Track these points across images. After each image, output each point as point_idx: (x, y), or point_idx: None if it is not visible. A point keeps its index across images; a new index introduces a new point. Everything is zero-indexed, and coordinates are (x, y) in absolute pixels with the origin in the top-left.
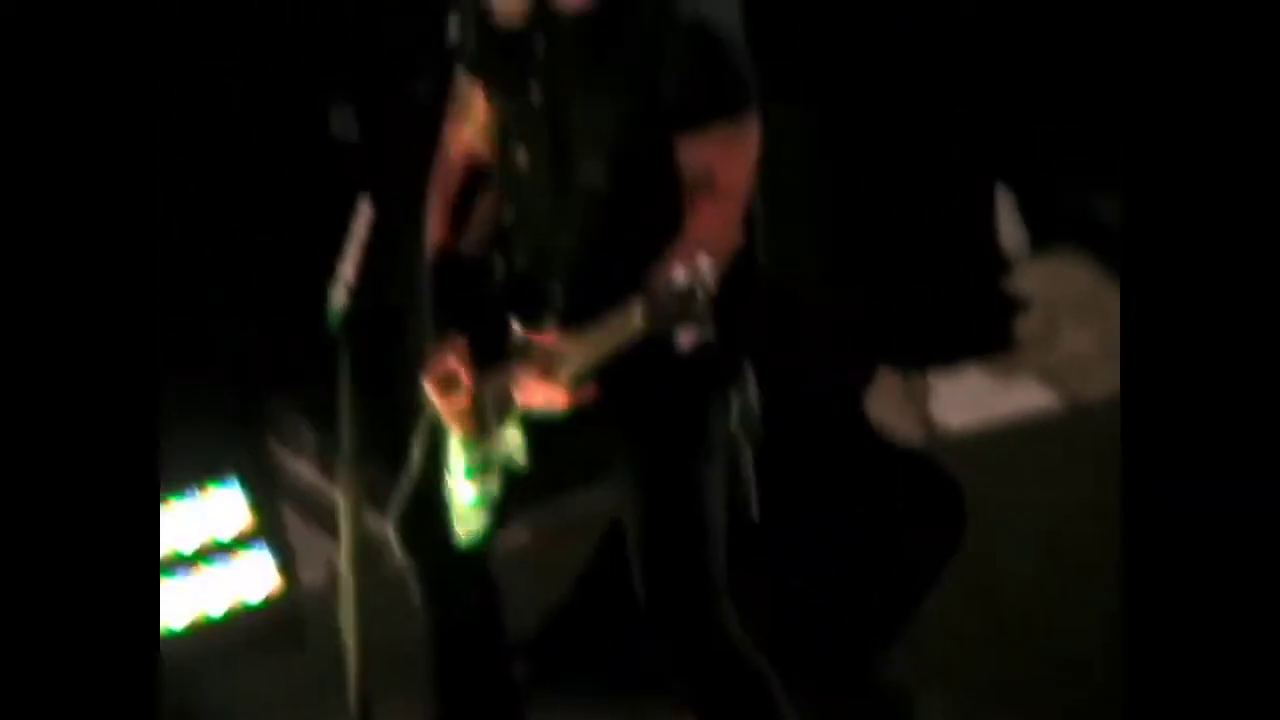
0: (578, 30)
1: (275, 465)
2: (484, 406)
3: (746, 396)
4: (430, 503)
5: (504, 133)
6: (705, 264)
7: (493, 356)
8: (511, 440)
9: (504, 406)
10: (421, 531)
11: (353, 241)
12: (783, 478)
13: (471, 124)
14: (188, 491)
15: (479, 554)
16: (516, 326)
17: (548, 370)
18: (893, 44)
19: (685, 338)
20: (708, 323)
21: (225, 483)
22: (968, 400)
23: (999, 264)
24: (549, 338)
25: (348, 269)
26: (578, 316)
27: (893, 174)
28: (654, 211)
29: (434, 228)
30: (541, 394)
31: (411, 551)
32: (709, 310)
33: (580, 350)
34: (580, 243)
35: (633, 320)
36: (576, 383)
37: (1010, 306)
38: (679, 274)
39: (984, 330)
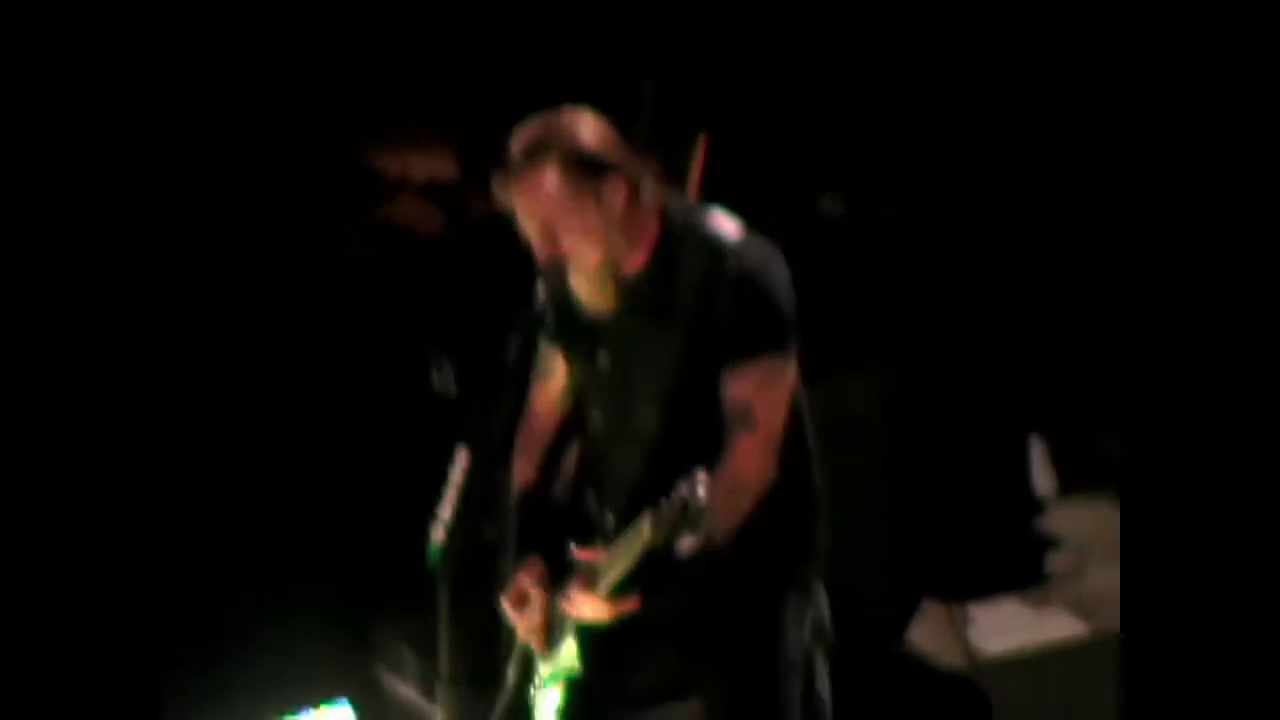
0: (637, 286)
1: (382, 687)
2: (555, 621)
3: (819, 610)
4: (522, 715)
5: (581, 391)
6: (701, 483)
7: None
8: (568, 651)
9: (565, 621)
10: None
11: (450, 485)
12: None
13: (554, 382)
14: (303, 711)
15: None
16: (572, 548)
17: (588, 584)
18: (941, 317)
19: (685, 545)
20: (700, 533)
21: (336, 703)
22: (1004, 629)
23: (1032, 505)
24: (589, 554)
25: (445, 510)
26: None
27: (943, 427)
28: (696, 447)
29: (519, 471)
30: (586, 606)
31: None
32: (701, 522)
33: (609, 564)
34: (632, 476)
35: (643, 533)
36: (613, 594)
37: (1043, 544)
38: (679, 492)
39: (1019, 565)
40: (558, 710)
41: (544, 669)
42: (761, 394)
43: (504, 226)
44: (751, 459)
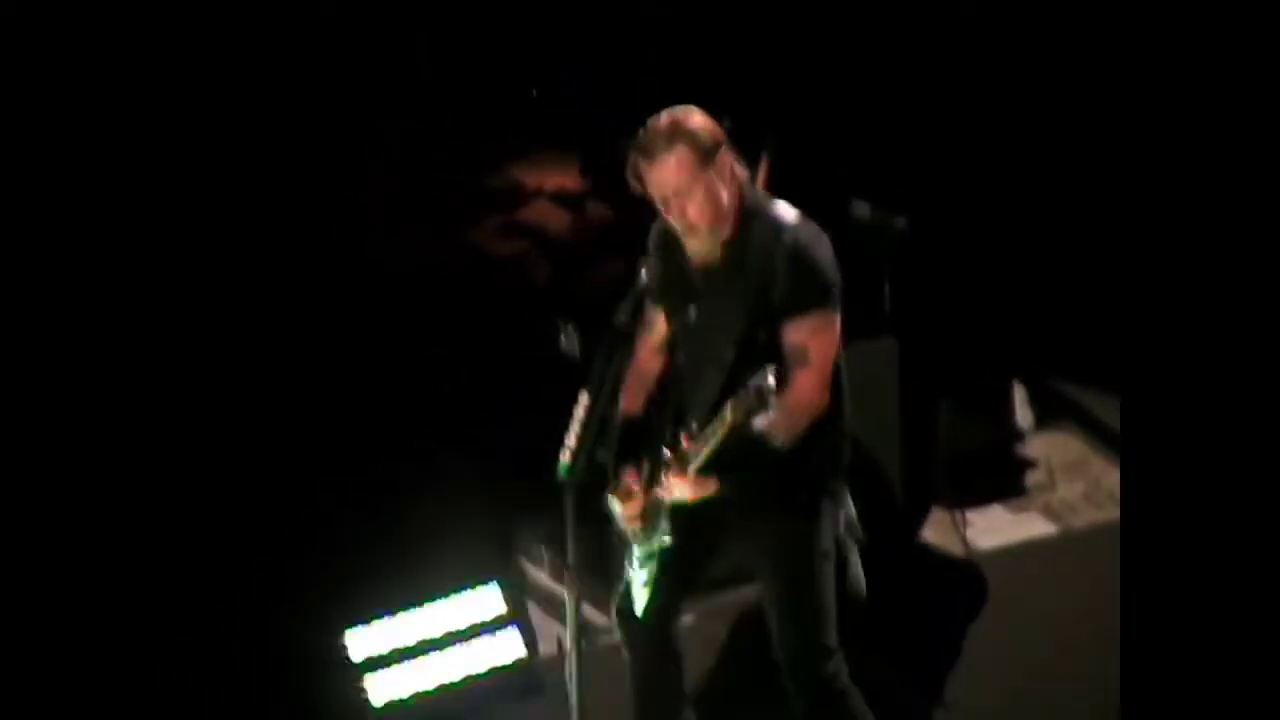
0: (725, 251)
1: (522, 573)
2: (649, 512)
3: (849, 513)
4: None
5: (673, 339)
6: (771, 373)
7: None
8: (662, 532)
9: (659, 510)
10: (631, 615)
11: (575, 421)
12: (871, 579)
13: (655, 335)
14: (465, 589)
15: (669, 630)
16: (666, 451)
17: (680, 468)
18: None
19: (760, 422)
20: (769, 410)
21: (489, 584)
22: (993, 528)
23: (1015, 435)
24: (683, 445)
25: (571, 439)
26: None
27: (945, 379)
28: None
29: (626, 401)
30: (676, 487)
31: (624, 628)
32: (771, 401)
33: (696, 449)
34: (713, 395)
35: (725, 417)
36: (700, 473)
37: (1022, 464)
38: (754, 380)
39: (1005, 480)
40: (647, 583)
41: (639, 553)
42: (813, 339)
43: (616, 228)
44: (807, 390)
